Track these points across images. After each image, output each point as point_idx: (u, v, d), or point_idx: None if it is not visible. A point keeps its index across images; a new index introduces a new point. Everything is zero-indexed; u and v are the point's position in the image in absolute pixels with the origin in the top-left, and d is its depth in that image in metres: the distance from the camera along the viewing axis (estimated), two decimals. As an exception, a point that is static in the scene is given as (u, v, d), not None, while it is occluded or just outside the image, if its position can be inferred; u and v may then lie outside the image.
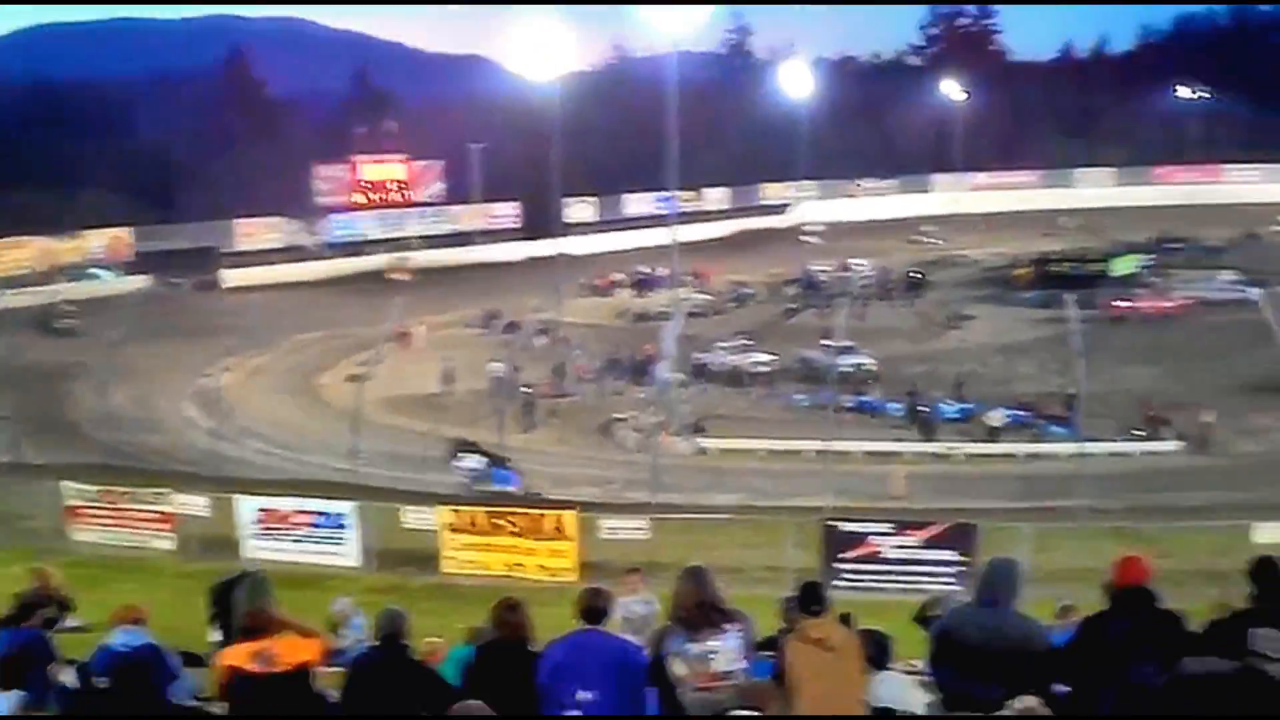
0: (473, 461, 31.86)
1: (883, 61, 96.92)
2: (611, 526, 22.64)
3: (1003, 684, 5.89)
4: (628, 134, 68.94)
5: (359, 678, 6.82)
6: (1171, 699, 3.04)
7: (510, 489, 30.56)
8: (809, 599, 6.50)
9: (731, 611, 6.40)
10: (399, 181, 73.29)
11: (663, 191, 51.22)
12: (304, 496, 24.97)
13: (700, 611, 6.34)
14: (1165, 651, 5.82)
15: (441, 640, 10.40)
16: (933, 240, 69.93)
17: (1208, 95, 76.74)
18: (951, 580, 20.01)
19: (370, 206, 71.65)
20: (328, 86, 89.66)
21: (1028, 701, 5.22)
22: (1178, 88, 78.10)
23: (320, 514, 23.87)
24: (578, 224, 71.49)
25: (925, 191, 78.01)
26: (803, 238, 69.90)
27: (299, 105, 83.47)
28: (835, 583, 21.16)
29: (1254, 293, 45.76)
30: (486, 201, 72.89)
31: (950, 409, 37.65)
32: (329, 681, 6.87)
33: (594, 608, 6.47)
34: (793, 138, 70.70)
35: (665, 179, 44.82)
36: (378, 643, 6.96)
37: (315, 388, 44.78)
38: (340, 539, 23.62)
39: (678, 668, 6.28)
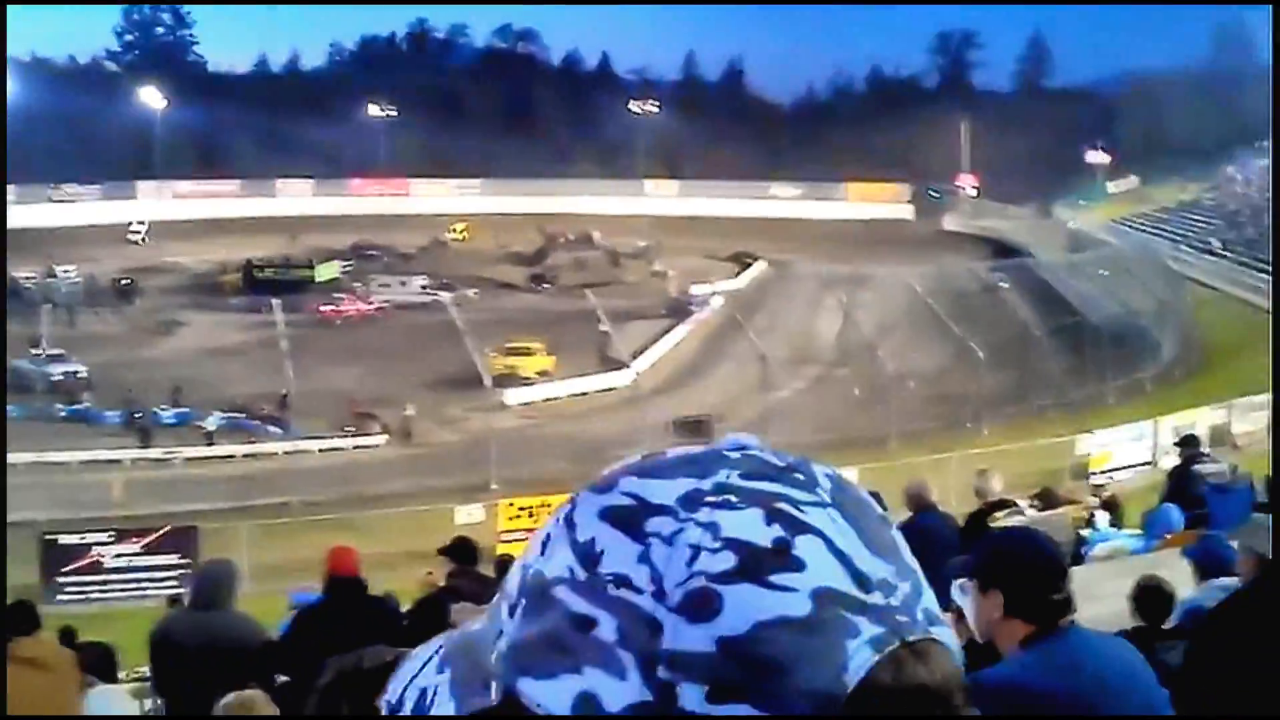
0: None
1: (80, 66, 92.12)
2: None
3: (222, 683, 6.12)
4: None
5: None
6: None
7: None
8: (20, 619, 6.32)
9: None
10: None
11: None
12: None
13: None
14: (377, 634, 6.38)
15: None
16: (140, 236, 67.55)
17: (394, 113, 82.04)
18: (175, 585, 19.84)
19: None
20: None
21: (244, 694, 5.45)
22: (368, 105, 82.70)
23: None
24: None
25: (131, 198, 75.03)
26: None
27: None
28: (60, 598, 21.74)
29: (444, 296, 49.93)
30: None
31: (167, 415, 37.46)
32: None
33: None
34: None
35: None
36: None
37: None
38: None
39: None
